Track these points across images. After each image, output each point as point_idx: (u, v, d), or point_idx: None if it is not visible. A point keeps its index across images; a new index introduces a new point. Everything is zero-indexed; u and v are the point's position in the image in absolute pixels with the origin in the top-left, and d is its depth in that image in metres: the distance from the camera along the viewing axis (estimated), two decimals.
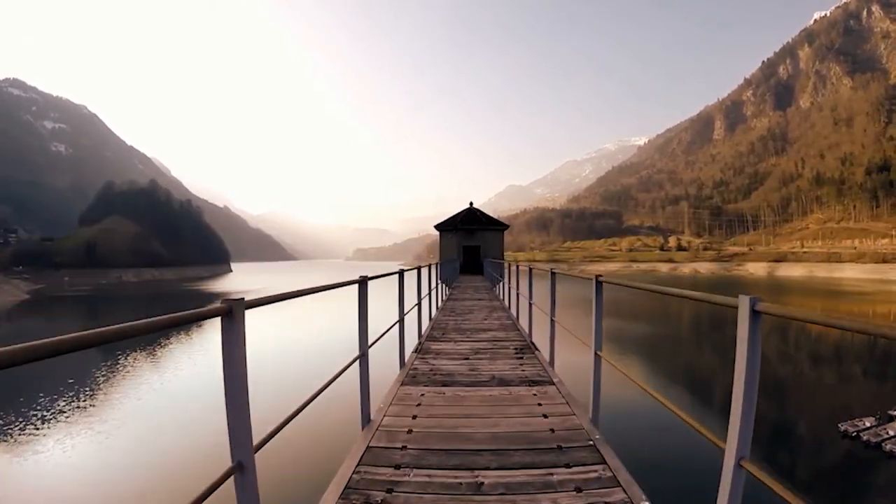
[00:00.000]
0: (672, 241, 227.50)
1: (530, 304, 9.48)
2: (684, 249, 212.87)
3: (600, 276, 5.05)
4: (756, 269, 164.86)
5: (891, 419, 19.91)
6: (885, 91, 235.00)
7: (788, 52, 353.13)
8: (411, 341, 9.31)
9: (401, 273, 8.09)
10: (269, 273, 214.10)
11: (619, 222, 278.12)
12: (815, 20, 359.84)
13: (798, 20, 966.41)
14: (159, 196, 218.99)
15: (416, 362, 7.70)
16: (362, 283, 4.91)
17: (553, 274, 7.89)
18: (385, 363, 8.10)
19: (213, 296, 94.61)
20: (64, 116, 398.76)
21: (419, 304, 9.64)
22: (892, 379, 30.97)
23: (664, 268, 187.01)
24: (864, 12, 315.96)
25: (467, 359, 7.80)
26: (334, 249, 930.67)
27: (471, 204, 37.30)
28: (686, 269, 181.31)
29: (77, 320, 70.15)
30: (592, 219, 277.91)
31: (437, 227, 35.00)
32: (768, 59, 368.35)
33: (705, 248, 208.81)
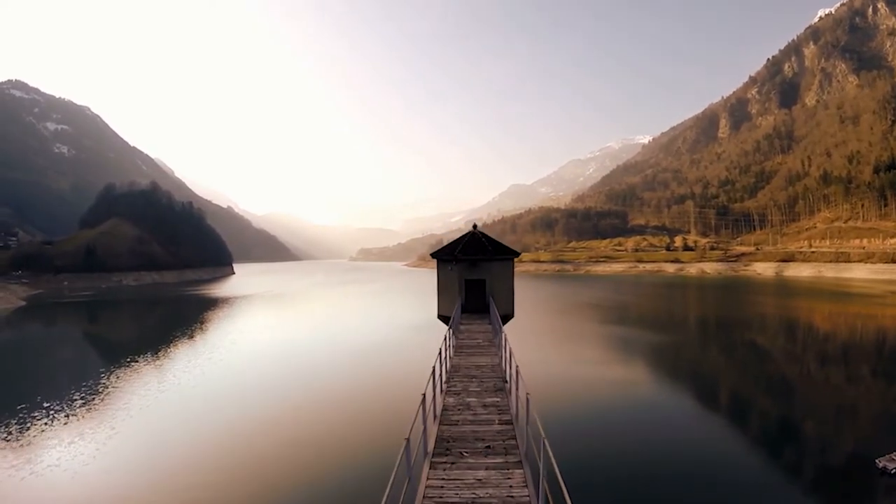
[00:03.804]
0: (678, 241, 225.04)
1: None
2: (691, 249, 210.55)
3: None
4: (764, 269, 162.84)
5: None
6: (892, 88, 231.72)
7: (793, 49, 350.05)
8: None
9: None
10: (271, 274, 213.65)
11: (624, 222, 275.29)
12: (821, 17, 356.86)
13: (803, 18, 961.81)
14: (160, 198, 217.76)
15: None
16: None
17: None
18: None
19: (213, 301, 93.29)
20: (66, 118, 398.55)
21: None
22: None
23: (670, 268, 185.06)
24: (870, 9, 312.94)
25: None
26: (339, 249, 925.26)
27: (474, 227, 30.40)
28: (693, 269, 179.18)
29: (77, 326, 68.90)
30: (597, 218, 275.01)
31: (434, 255, 28.91)
32: (773, 56, 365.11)
33: (712, 248, 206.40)
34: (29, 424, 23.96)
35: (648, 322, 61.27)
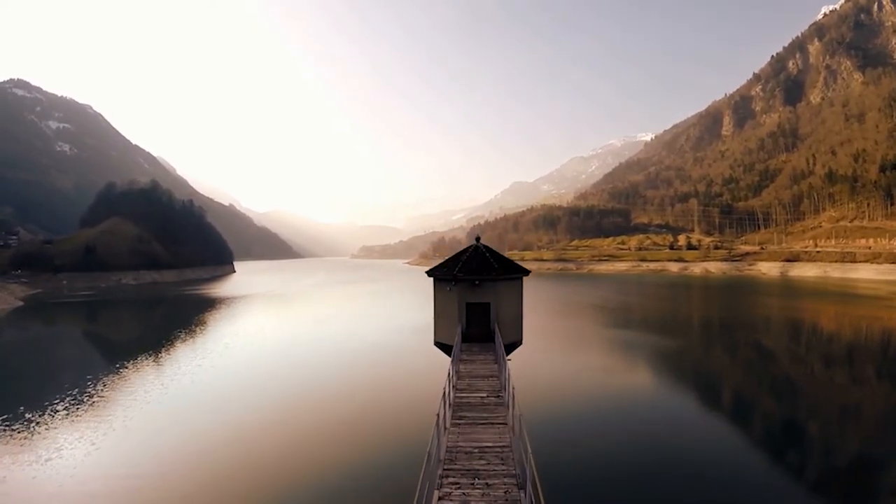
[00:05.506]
0: (682, 240, 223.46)
1: None
2: (694, 248, 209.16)
3: None
4: (769, 269, 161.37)
5: None
6: None
7: (798, 46, 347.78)
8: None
9: None
10: (272, 273, 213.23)
11: (627, 220, 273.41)
12: (825, 14, 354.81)
13: (807, 14, 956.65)
14: (160, 196, 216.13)
15: None
16: None
17: None
18: None
19: (212, 301, 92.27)
20: (68, 116, 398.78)
21: None
22: None
23: (674, 267, 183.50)
24: (875, 6, 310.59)
25: None
26: (341, 247, 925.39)
27: (477, 239, 25.47)
28: (697, 268, 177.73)
29: (72, 327, 67.97)
30: (600, 217, 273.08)
31: (430, 273, 23.99)
32: (777, 53, 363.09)
33: (716, 247, 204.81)
34: (19, 429, 23.39)
35: (653, 325, 60.20)
